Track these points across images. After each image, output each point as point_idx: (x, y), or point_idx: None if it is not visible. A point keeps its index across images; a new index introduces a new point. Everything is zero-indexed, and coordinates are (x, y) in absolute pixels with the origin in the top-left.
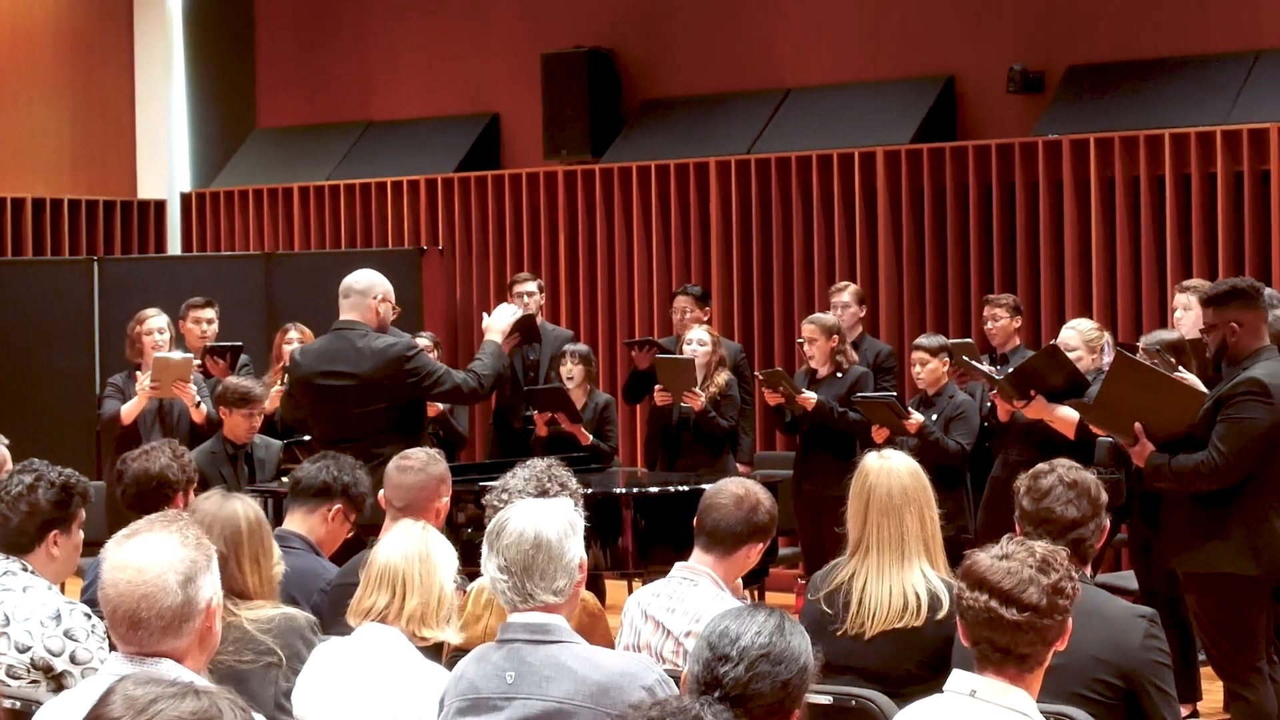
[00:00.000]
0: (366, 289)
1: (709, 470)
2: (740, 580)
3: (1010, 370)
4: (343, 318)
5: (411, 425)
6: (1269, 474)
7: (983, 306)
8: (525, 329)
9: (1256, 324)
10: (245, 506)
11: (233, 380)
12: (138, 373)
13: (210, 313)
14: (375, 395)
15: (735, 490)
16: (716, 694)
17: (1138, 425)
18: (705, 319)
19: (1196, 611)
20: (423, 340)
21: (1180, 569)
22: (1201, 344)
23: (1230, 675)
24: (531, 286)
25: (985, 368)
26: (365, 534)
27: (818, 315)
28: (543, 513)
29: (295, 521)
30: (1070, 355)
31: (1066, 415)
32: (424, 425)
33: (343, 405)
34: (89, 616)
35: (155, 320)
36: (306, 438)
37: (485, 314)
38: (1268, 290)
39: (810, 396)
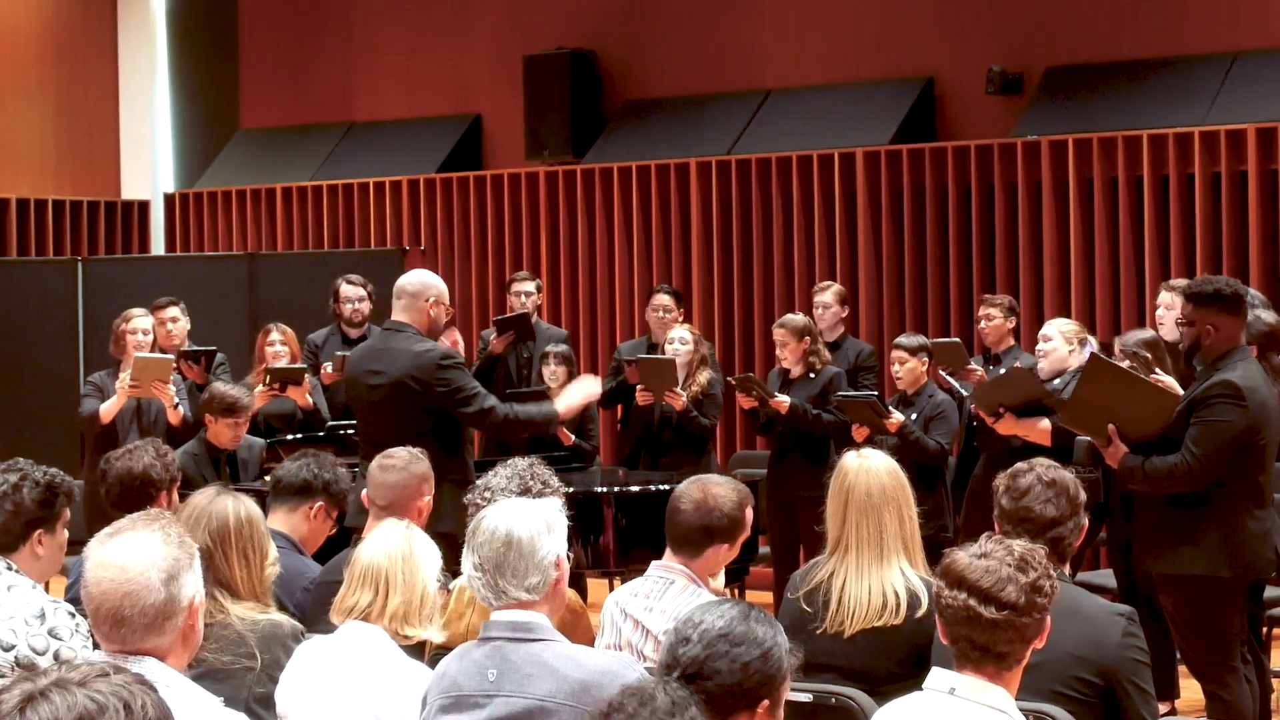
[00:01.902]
0: (419, 291)
1: (691, 469)
2: (722, 580)
3: (983, 385)
4: (393, 318)
5: (449, 436)
6: (1242, 476)
7: (965, 307)
8: (519, 327)
9: (1233, 330)
10: (238, 504)
11: (220, 388)
12: (120, 372)
13: (174, 311)
14: (404, 397)
15: (695, 494)
16: (675, 674)
17: (1111, 426)
18: (680, 319)
19: (1171, 612)
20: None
21: (1154, 570)
22: (1177, 344)
23: (1206, 675)
24: (529, 286)
25: (958, 382)
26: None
27: (788, 317)
28: (517, 511)
29: (278, 520)
30: (1046, 345)
31: (1041, 428)
32: (462, 438)
33: (377, 406)
34: (73, 615)
35: (140, 320)
36: (289, 437)
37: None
38: (1250, 292)
39: (783, 400)
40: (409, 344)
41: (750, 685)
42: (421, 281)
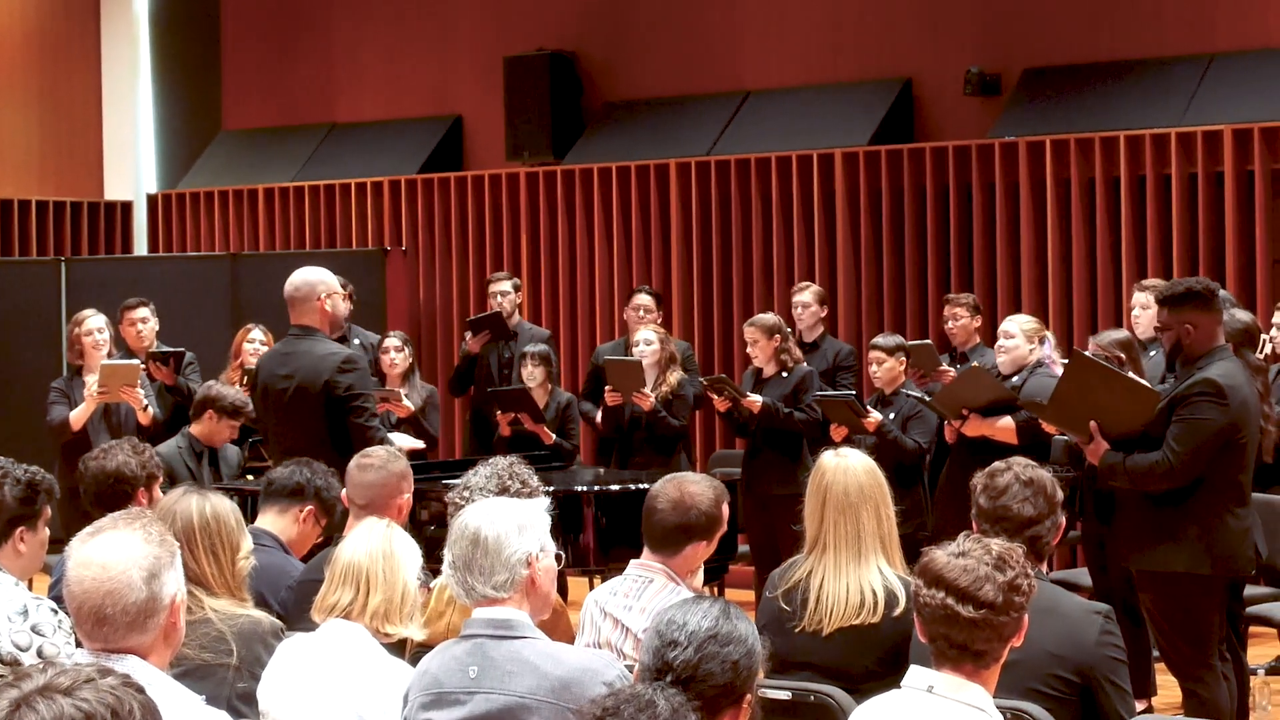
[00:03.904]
0: (309, 292)
1: (661, 469)
2: (701, 579)
3: (942, 389)
4: (295, 323)
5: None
6: (1222, 474)
7: (941, 307)
8: (493, 327)
9: (1211, 326)
10: (204, 502)
11: (224, 390)
12: (85, 377)
13: (144, 312)
14: (309, 400)
15: (671, 493)
16: (668, 678)
17: (1093, 424)
18: (659, 319)
19: (1151, 610)
20: (394, 340)
21: (1135, 568)
22: (1151, 342)
23: (1184, 673)
24: (506, 286)
25: (919, 393)
26: None
27: (759, 316)
28: (490, 510)
29: (267, 521)
30: (1009, 342)
31: (1005, 425)
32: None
33: (286, 408)
34: (55, 611)
35: (93, 320)
36: None
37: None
38: (1222, 292)
39: (756, 400)
40: (314, 347)
41: (739, 683)
42: (307, 281)
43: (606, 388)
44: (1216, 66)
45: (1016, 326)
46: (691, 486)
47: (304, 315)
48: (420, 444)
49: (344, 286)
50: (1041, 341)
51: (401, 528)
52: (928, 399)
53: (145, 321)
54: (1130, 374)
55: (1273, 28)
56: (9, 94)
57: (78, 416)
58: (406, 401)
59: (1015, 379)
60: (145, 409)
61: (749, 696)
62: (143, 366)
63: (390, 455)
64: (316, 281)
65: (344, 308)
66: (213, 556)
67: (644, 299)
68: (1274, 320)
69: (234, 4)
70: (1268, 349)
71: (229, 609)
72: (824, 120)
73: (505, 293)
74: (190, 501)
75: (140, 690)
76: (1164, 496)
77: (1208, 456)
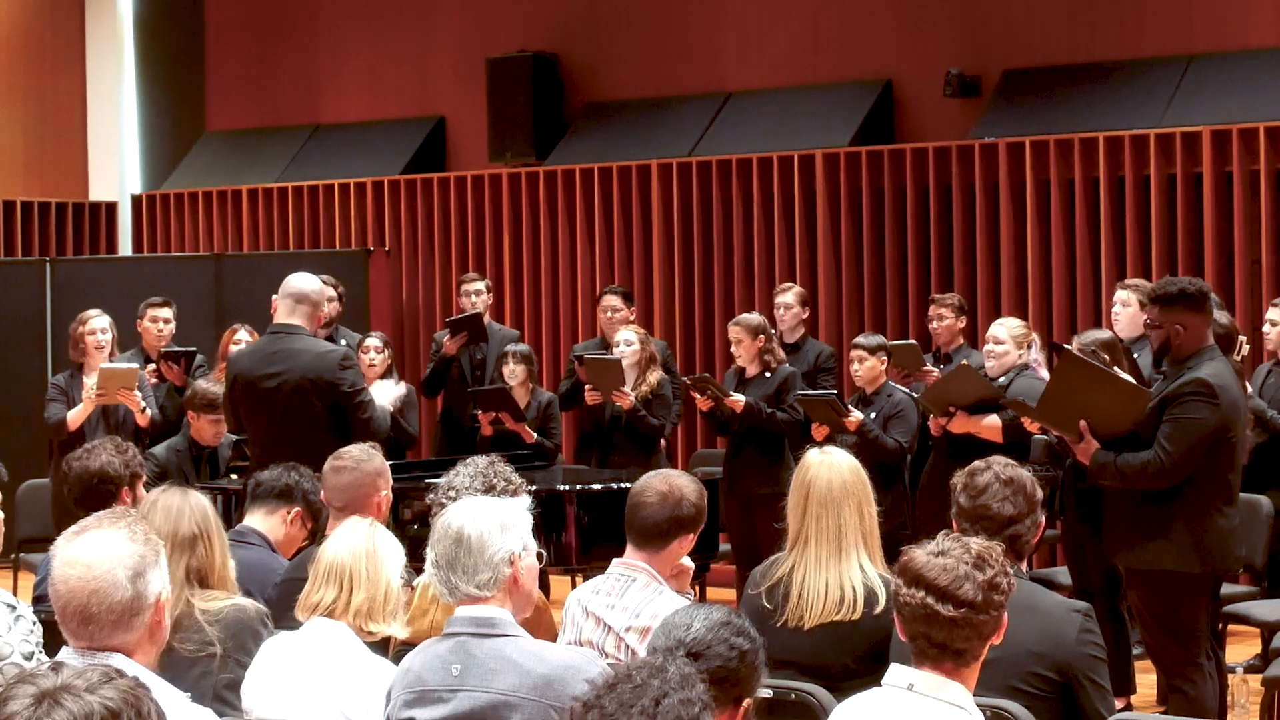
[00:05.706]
0: (319, 298)
1: (640, 469)
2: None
3: (929, 386)
4: (285, 320)
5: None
6: (1212, 473)
7: (923, 307)
8: (472, 328)
9: (1201, 327)
10: (195, 499)
11: (201, 385)
12: (84, 377)
13: (168, 312)
14: (307, 396)
15: (659, 487)
16: (680, 652)
17: (1083, 423)
18: (631, 318)
19: (1139, 607)
20: (374, 340)
21: (1123, 565)
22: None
23: (1171, 670)
24: (479, 286)
25: (906, 390)
26: None
27: (743, 316)
28: (473, 509)
29: (255, 521)
30: (999, 348)
31: (991, 423)
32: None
33: (279, 404)
34: (13, 608)
35: (97, 320)
36: None
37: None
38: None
39: (739, 399)
40: (305, 344)
41: (742, 675)
42: (318, 287)
43: (586, 387)
44: (1195, 68)
45: (1006, 333)
46: (677, 479)
47: (301, 316)
48: (403, 389)
49: (334, 288)
50: (1030, 346)
51: (384, 526)
52: (915, 397)
53: (168, 322)
54: (1121, 373)
55: (1251, 29)
56: None
57: (74, 417)
58: None
59: (1002, 379)
60: (143, 411)
61: (748, 702)
62: (152, 367)
63: (363, 454)
64: (323, 287)
65: (335, 315)
66: (204, 553)
67: (611, 299)
68: (1269, 317)
69: (218, 5)
70: (1244, 350)
71: (215, 602)
72: (805, 121)
73: (479, 292)
74: (182, 499)
75: (149, 691)
76: (1153, 495)
77: (1199, 456)
